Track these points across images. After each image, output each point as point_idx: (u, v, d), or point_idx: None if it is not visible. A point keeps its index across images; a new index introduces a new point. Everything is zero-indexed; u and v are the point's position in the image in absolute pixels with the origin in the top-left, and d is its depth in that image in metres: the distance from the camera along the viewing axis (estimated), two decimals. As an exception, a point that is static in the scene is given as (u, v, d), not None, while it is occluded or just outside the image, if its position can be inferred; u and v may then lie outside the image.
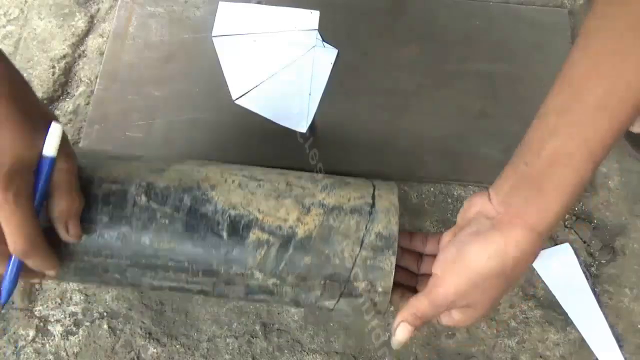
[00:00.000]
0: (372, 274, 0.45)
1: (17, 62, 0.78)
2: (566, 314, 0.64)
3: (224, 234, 0.45)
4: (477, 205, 0.43)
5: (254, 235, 0.45)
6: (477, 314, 0.44)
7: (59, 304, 0.64)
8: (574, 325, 0.63)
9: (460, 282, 0.41)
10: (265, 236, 0.45)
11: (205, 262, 0.45)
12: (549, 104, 0.40)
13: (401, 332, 0.45)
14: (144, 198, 0.45)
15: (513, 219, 0.39)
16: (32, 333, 0.63)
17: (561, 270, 0.66)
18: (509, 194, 0.40)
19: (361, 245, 0.45)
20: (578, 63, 0.39)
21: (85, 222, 0.44)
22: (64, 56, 0.78)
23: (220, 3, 0.81)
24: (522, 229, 0.39)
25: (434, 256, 0.47)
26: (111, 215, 0.45)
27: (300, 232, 0.45)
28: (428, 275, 0.46)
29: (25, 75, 0.76)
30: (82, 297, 0.64)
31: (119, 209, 0.45)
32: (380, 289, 0.45)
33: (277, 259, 0.45)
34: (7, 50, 0.78)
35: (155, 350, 0.62)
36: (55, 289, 0.65)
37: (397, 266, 0.46)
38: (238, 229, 0.45)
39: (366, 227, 0.45)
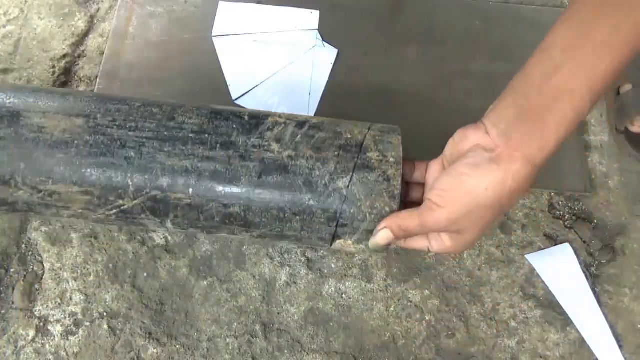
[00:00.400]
0: (382, 145, 0.48)
1: (17, 62, 0.78)
2: (566, 314, 0.64)
3: (246, 117, 0.50)
4: (472, 138, 0.43)
5: (272, 119, 0.50)
6: (466, 241, 0.44)
7: (59, 304, 0.64)
8: (574, 325, 0.63)
9: (455, 210, 0.42)
10: (282, 120, 0.50)
11: (225, 133, 0.48)
12: (552, 40, 0.41)
13: (381, 236, 0.46)
14: (175, 100, 0.52)
15: (513, 152, 0.40)
16: (32, 333, 0.63)
17: (561, 270, 0.66)
18: (509, 127, 0.41)
19: (369, 129, 0.50)
20: (585, 2, 0.40)
21: (121, 104, 0.49)
22: (64, 56, 0.78)
23: (220, 3, 0.81)
24: (521, 161, 0.40)
25: (420, 184, 0.49)
26: (143, 101, 0.50)
27: (314, 120, 0.51)
28: (415, 203, 0.47)
29: (25, 75, 0.76)
30: (82, 297, 0.64)
31: (150, 100, 0.51)
32: (391, 159, 0.47)
33: (293, 134, 0.49)
34: (7, 50, 0.78)
35: (155, 350, 0.62)
36: (55, 289, 0.65)
37: None
38: (258, 115, 0.50)
39: (371, 123, 0.51)
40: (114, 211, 0.49)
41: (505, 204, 0.42)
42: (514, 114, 0.41)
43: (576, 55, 0.39)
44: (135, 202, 0.48)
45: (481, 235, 0.45)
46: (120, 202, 0.48)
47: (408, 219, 0.45)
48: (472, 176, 0.41)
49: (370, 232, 0.48)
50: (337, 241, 0.49)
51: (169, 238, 0.67)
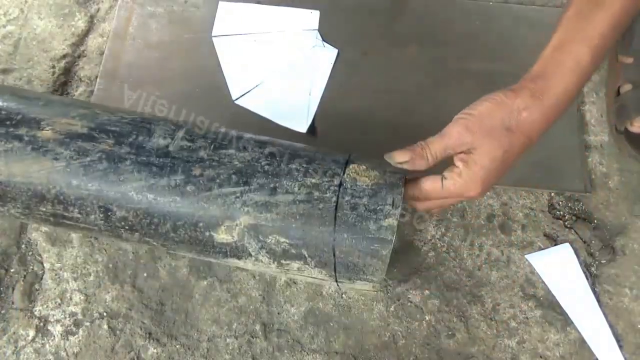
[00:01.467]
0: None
1: (17, 62, 0.78)
2: (566, 314, 0.64)
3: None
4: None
5: None
6: (478, 165, 0.46)
7: (59, 304, 0.64)
8: (574, 325, 0.63)
9: (469, 117, 0.47)
10: None
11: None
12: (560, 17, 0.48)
13: (401, 151, 0.49)
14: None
15: (522, 84, 0.47)
16: (32, 333, 0.63)
17: (561, 270, 0.66)
18: (520, 80, 0.48)
19: None
20: None
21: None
22: (64, 56, 0.78)
23: (220, 3, 0.81)
24: (529, 91, 0.46)
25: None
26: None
27: None
28: None
29: (25, 75, 0.76)
30: (82, 297, 0.64)
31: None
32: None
33: None
34: (7, 50, 0.78)
35: (155, 350, 0.62)
36: (55, 289, 0.65)
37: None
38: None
39: None
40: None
41: (515, 133, 0.45)
42: (526, 73, 0.48)
43: (571, 14, 0.47)
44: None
45: (494, 166, 0.46)
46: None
47: (428, 139, 0.48)
48: (480, 99, 0.48)
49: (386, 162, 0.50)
50: (351, 165, 0.49)
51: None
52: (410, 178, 0.50)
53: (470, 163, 0.46)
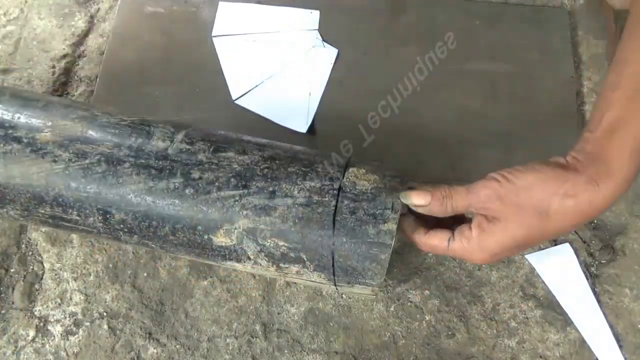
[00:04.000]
0: None
1: (17, 62, 0.78)
2: (566, 314, 0.64)
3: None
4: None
5: None
6: (493, 236, 0.43)
7: (59, 304, 0.64)
8: (574, 325, 0.63)
9: (500, 185, 0.42)
10: None
11: None
12: (605, 81, 0.44)
13: (419, 193, 0.45)
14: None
15: (579, 166, 0.41)
16: (32, 333, 0.63)
17: (561, 270, 0.66)
18: (573, 154, 0.43)
19: None
20: (625, 42, 0.44)
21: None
22: (64, 56, 0.78)
23: (220, 3, 0.81)
24: (585, 177, 0.40)
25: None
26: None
27: None
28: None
29: (25, 75, 0.76)
30: (82, 297, 0.64)
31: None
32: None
33: None
34: (7, 50, 0.78)
35: (155, 350, 0.62)
36: (55, 289, 0.65)
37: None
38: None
39: None
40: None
41: (551, 217, 0.41)
42: (579, 145, 0.43)
43: (622, 93, 0.42)
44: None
45: (510, 244, 0.42)
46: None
47: (453, 188, 0.45)
48: (536, 165, 0.43)
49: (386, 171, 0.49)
50: (351, 169, 0.49)
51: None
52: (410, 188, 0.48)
53: (486, 232, 0.43)
